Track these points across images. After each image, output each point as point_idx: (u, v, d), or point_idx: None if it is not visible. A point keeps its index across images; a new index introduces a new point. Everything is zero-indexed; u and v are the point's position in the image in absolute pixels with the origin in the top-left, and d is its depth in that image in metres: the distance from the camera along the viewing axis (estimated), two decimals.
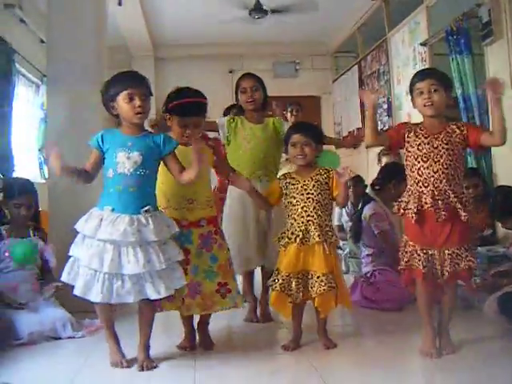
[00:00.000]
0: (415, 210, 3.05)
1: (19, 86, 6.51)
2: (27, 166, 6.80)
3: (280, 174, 3.73)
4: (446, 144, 3.07)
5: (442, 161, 3.06)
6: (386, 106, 7.84)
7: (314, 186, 3.36)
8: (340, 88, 9.90)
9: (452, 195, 3.03)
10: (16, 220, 3.99)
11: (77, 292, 2.98)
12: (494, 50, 5.25)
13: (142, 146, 3.04)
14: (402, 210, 3.15)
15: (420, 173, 3.10)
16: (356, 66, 9.05)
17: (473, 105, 5.56)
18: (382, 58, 7.93)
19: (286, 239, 3.32)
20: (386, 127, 7.78)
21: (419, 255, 3.08)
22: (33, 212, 4.07)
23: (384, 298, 4.33)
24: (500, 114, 3.06)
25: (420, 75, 3.20)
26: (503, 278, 3.91)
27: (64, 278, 3.05)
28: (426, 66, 6.45)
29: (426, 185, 3.07)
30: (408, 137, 3.17)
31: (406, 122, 3.34)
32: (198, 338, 3.48)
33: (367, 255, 4.78)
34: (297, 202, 3.36)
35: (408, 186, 3.19)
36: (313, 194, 3.35)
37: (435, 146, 3.08)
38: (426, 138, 3.12)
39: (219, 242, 3.39)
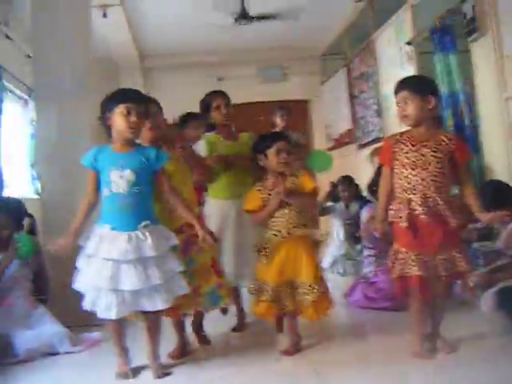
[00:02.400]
0: (406, 217, 3.05)
1: (7, 102, 6.48)
2: (18, 182, 6.76)
3: None
4: (435, 152, 3.09)
5: (430, 168, 3.08)
6: (375, 107, 7.84)
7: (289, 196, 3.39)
8: (329, 91, 9.89)
9: (441, 202, 3.05)
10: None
11: (86, 306, 3.04)
12: (479, 46, 5.27)
13: (134, 163, 3.05)
14: (392, 219, 3.16)
15: (408, 180, 3.11)
16: (344, 68, 9.06)
17: (461, 101, 5.57)
18: (370, 59, 7.93)
19: (267, 249, 3.37)
20: (377, 128, 7.78)
21: (414, 261, 3.07)
22: (11, 233, 4.01)
23: (385, 298, 4.33)
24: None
25: (396, 87, 3.23)
26: (498, 273, 3.91)
27: (77, 287, 3.07)
28: (413, 66, 6.47)
29: (414, 192, 3.09)
30: (395, 147, 3.18)
31: (391, 137, 3.31)
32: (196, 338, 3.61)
33: (368, 256, 4.79)
34: (280, 214, 3.40)
35: (396, 194, 3.19)
36: (293, 204, 3.40)
37: (423, 153, 3.10)
38: (413, 145, 3.13)
39: (199, 246, 3.40)
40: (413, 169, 3.09)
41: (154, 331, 3.17)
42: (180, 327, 3.54)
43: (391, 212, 3.16)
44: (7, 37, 6.43)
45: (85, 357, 3.59)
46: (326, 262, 6.35)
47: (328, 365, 3.18)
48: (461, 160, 3.14)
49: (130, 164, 3.03)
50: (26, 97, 7.14)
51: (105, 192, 3.05)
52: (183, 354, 3.47)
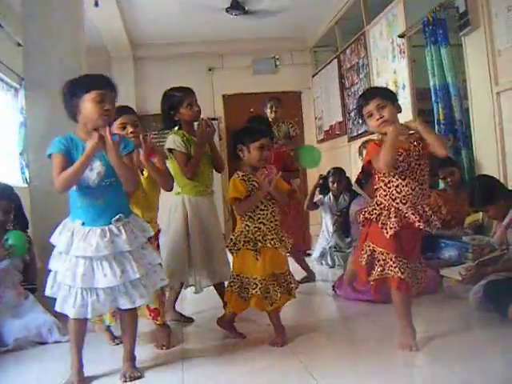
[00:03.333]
0: (397, 228, 3.06)
1: None
2: (8, 170, 6.74)
3: None
4: (417, 159, 3.11)
5: (416, 177, 3.11)
6: None
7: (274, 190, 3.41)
8: (320, 82, 9.89)
9: (427, 208, 3.09)
10: None
11: (57, 308, 2.93)
12: (472, 40, 5.27)
13: (102, 153, 2.86)
14: (366, 219, 3.18)
15: (398, 190, 3.11)
16: (335, 59, 9.06)
17: (452, 95, 5.59)
18: (361, 51, 7.93)
19: (258, 243, 3.36)
20: None
21: (394, 263, 3.09)
22: (11, 217, 4.04)
23: (378, 290, 4.33)
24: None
25: (363, 99, 3.21)
26: (487, 266, 3.93)
27: (47, 292, 2.95)
28: (405, 58, 6.47)
29: (404, 202, 3.10)
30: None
31: (375, 144, 3.23)
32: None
33: (356, 248, 4.80)
34: (265, 207, 3.41)
35: (380, 199, 3.19)
36: (275, 199, 3.44)
37: (409, 163, 3.10)
38: (399, 155, 3.10)
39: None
40: (403, 179, 3.10)
41: (130, 330, 3.06)
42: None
43: (370, 213, 3.17)
44: None
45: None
46: (314, 254, 6.38)
47: (315, 357, 3.19)
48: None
49: (98, 155, 2.85)
50: (16, 85, 7.11)
51: (73, 186, 2.88)
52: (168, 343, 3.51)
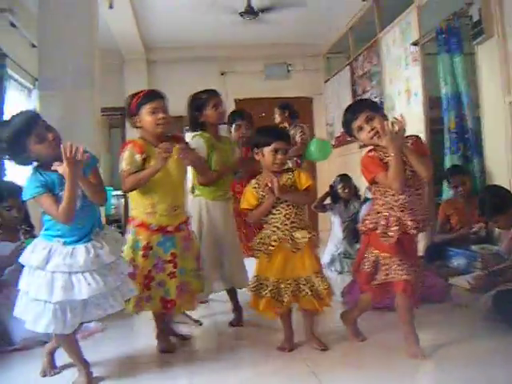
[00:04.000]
0: (397, 236, 3.08)
1: (11, 91, 6.49)
2: (19, 170, 6.76)
3: None
4: (411, 167, 3.10)
5: (412, 184, 3.11)
6: None
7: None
8: (332, 89, 9.90)
9: (423, 213, 3.14)
10: (7, 223, 3.98)
11: (28, 326, 2.90)
12: (485, 49, 5.27)
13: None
14: (369, 229, 3.20)
15: (395, 199, 3.12)
16: (348, 66, 9.06)
17: (465, 103, 5.58)
18: (374, 58, 7.93)
19: (270, 246, 3.34)
20: None
21: (399, 266, 3.10)
22: (23, 215, 4.07)
23: (384, 298, 4.32)
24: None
25: (351, 113, 3.23)
26: (497, 276, 3.92)
27: (16, 313, 2.94)
28: (418, 66, 6.46)
29: (401, 209, 3.11)
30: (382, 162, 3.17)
31: (372, 156, 3.25)
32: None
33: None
34: (277, 211, 3.37)
35: (378, 208, 3.20)
36: (286, 201, 3.37)
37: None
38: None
39: (194, 241, 3.59)
40: (409, 186, 3.11)
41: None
42: (162, 321, 3.56)
43: (370, 222, 3.19)
44: (12, 25, 6.44)
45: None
46: (324, 260, 6.36)
47: (323, 363, 3.17)
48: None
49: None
50: (30, 86, 7.14)
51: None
52: (170, 347, 3.50)
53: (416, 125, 6.37)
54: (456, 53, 5.60)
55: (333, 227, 6.50)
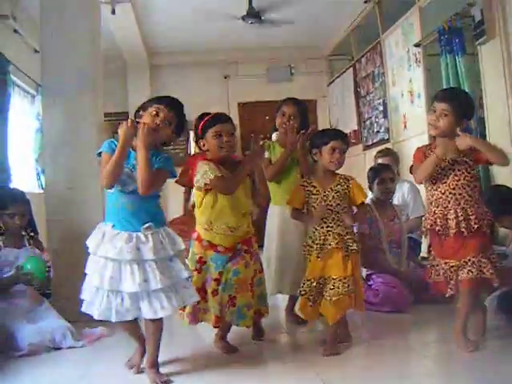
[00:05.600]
0: (430, 229, 3.19)
1: (14, 97, 6.51)
2: (24, 176, 6.79)
3: None
4: (453, 165, 3.14)
5: (448, 182, 3.14)
6: (381, 108, 7.85)
7: (333, 197, 3.42)
8: (335, 91, 9.91)
9: (460, 213, 3.11)
10: (11, 230, 3.99)
11: (83, 308, 2.99)
12: (488, 49, 5.26)
13: None
14: (427, 228, 3.26)
15: (431, 194, 3.21)
16: (351, 68, 9.06)
17: None
18: (377, 59, 7.93)
19: (308, 247, 3.42)
20: (382, 129, 7.80)
21: (442, 268, 3.20)
22: (27, 221, 4.08)
23: (385, 301, 4.32)
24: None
25: (440, 95, 3.26)
26: (503, 276, 3.91)
27: (83, 295, 3.01)
28: (421, 67, 6.47)
29: (436, 205, 3.17)
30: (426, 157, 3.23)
31: (421, 148, 3.34)
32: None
33: None
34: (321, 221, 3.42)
35: (429, 206, 3.30)
36: (332, 205, 3.41)
37: (442, 167, 3.15)
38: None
39: (246, 260, 3.46)
40: (433, 183, 3.19)
41: (152, 339, 3.05)
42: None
43: (427, 221, 3.23)
44: (16, 31, 6.46)
45: (88, 352, 3.59)
46: None
47: (331, 369, 3.15)
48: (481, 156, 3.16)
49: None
50: (33, 92, 7.17)
51: (112, 189, 2.97)
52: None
53: (419, 126, 6.37)
54: (458, 54, 5.59)
55: None
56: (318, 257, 3.36)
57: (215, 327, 3.47)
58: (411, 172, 3.38)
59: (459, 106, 3.17)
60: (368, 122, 8.40)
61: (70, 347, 3.66)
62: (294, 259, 3.89)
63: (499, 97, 5.13)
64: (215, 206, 3.40)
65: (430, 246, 3.46)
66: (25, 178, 6.78)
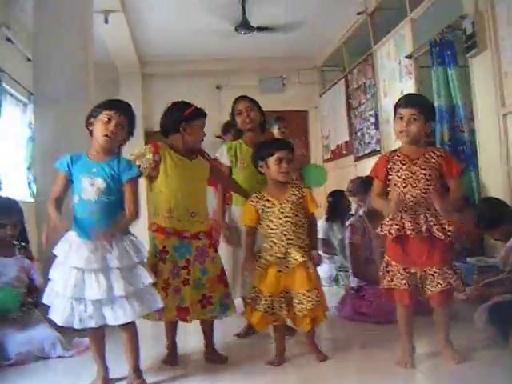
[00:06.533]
0: (395, 235, 3.09)
1: (6, 105, 6.50)
2: (15, 185, 6.76)
3: None
4: (424, 169, 3.11)
5: (419, 186, 3.10)
6: (373, 120, 7.88)
7: (290, 208, 3.37)
8: (327, 102, 9.94)
9: (430, 218, 3.07)
10: (1, 239, 3.97)
11: (49, 315, 3.00)
12: (479, 62, 5.30)
13: (105, 172, 3.01)
14: (383, 233, 3.18)
15: (400, 198, 3.12)
16: (343, 79, 9.10)
17: (460, 116, 5.60)
18: (368, 71, 7.97)
19: (265, 261, 3.35)
20: (374, 140, 7.82)
21: (402, 274, 3.11)
22: (18, 231, 4.05)
23: (377, 312, 4.31)
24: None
25: (404, 101, 3.21)
26: (493, 288, 3.92)
27: (44, 300, 3.04)
28: (412, 79, 6.50)
29: (405, 209, 3.11)
30: (389, 165, 3.20)
31: (383, 155, 3.32)
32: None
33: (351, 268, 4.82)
34: (275, 226, 3.37)
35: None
36: (290, 216, 3.37)
37: (413, 171, 3.12)
38: (403, 164, 3.15)
39: (212, 256, 3.47)
40: (404, 187, 3.12)
41: (130, 346, 3.06)
42: (173, 333, 3.54)
43: (384, 226, 3.17)
44: (8, 39, 6.45)
45: (76, 362, 3.57)
46: (319, 273, 6.34)
47: (318, 377, 3.17)
48: (450, 175, 3.16)
49: (102, 173, 3.00)
50: (25, 100, 7.15)
51: (75, 199, 3.00)
52: (176, 360, 3.49)
53: None
54: (450, 66, 5.63)
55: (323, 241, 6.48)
56: (280, 271, 3.32)
57: (183, 320, 3.40)
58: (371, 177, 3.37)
59: (426, 109, 3.18)
60: (359, 133, 8.43)
61: (59, 356, 3.64)
62: None
63: (490, 109, 5.16)
64: (174, 194, 3.39)
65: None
66: (16, 187, 6.75)
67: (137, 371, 3.06)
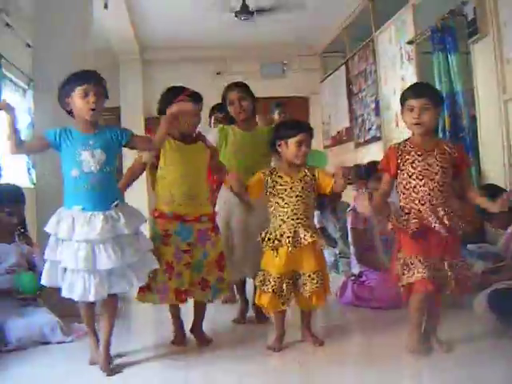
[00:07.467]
0: (415, 229, 3.04)
1: (6, 91, 6.47)
2: (14, 171, 6.75)
3: None
4: (440, 161, 3.09)
5: (437, 178, 3.07)
6: (373, 106, 7.85)
7: (303, 188, 3.37)
8: (328, 88, 9.91)
9: (447, 211, 3.05)
10: (4, 226, 3.97)
11: (64, 294, 3.01)
12: (480, 48, 5.27)
13: (102, 142, 3.07)
14: (396, 227, 3.13)
15: (416, 191, 3.10)
16: (343, 65, 9.07)
17: (461, 103, 5.57)
18: (370, 57, 7.93)
19: (276, 241, 3.32)
20: (374, 126, 7.80)
21: (423, 265, 3.04)
22: (23, 219, 4.06)
23: (378, 297, 4.32)
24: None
25: (413, 92, 3.16)
26: (493, 275, 3.92)
27: (45, 282, 3.08)
28: (413, 65, 6.47)
29: (422, 202, 3.08)
30: (400, 157, 3.15)
31: (393, 146, 3.25)
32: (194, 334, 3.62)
33: (354, 254, 4.82)
34: (285, 204, 3.36)
35: (402, 204, 3.17)
36: (302, 196, 3.36)
37: (430, 163, 3.09)
38: (419, 155, 3.11)
39: (213, 240, 3.51)
40: (420, 179, 3.08)
41: (108, 316, 3.13)
42: (178, 314, 3.61)
43: (398, 221, 3.13)
44: (7, 25, 6.42)
45: (76, 347, 3.58)
46: None
47: (316, 362, 3.18)
48: (463, 167, 3.15)
49: (99, 143, 3.05)
50: (24, 86, 7.13)
51: (73, 173, 3.01)
52: (184, 341, 3.58)
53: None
54: (451, 51, 5.60)
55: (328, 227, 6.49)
56: (290, 251, 3.30)
57: (181, 302, 3.45)
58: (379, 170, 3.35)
59: (436, 97, 3.17)
60: (360, 120, 8.41)
61: (59, 342, 3.65)
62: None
63: (491, 95, 5.14)
64: (174, 178, 3.43)
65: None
66: (16, 173, 6.74)
67: (108, 346, 3.14)
